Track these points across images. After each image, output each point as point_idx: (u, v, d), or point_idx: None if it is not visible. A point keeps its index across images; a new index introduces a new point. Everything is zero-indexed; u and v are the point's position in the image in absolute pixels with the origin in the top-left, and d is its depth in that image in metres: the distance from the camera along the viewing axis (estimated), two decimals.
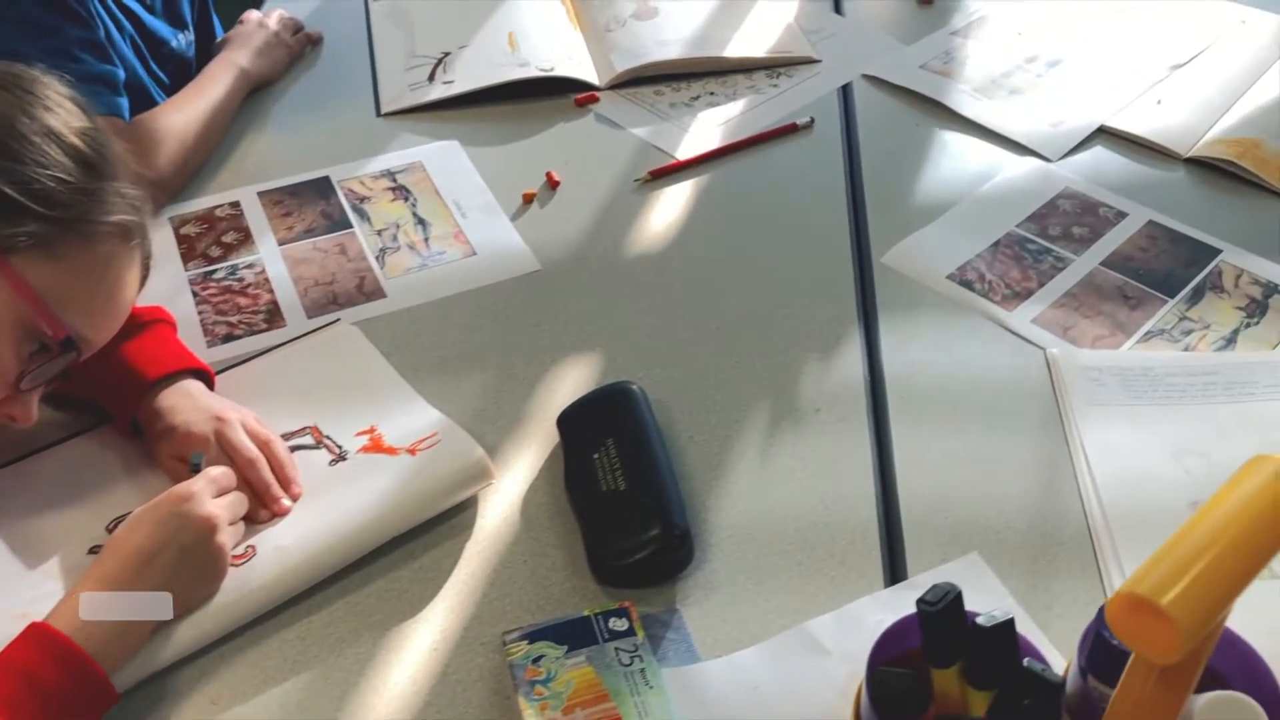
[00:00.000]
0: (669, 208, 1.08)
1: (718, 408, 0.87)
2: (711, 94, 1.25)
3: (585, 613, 0.71)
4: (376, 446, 0.82)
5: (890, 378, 0.90)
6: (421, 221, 1.06)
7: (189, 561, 0.70)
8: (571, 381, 0.90)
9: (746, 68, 1.27)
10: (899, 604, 0.71)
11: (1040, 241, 1.03)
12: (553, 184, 1.10)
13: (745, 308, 0.96)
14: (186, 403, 0.82)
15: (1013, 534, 0.78)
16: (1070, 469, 0.82)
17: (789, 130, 1.17)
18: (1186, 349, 0.92)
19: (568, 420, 0.84)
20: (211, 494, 0.72)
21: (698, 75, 1.27)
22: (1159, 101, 1.19)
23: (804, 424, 0.86)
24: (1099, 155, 1.13)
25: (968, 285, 0.98)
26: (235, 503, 0.74)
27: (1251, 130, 1.13)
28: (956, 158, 1.13)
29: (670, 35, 1.30)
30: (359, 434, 0.84)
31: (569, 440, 0.83)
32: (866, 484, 0.81)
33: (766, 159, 1.14)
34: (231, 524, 0.73)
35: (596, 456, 0.79)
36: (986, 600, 0.73)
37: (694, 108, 1.22)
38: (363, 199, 1.09)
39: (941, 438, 0.85)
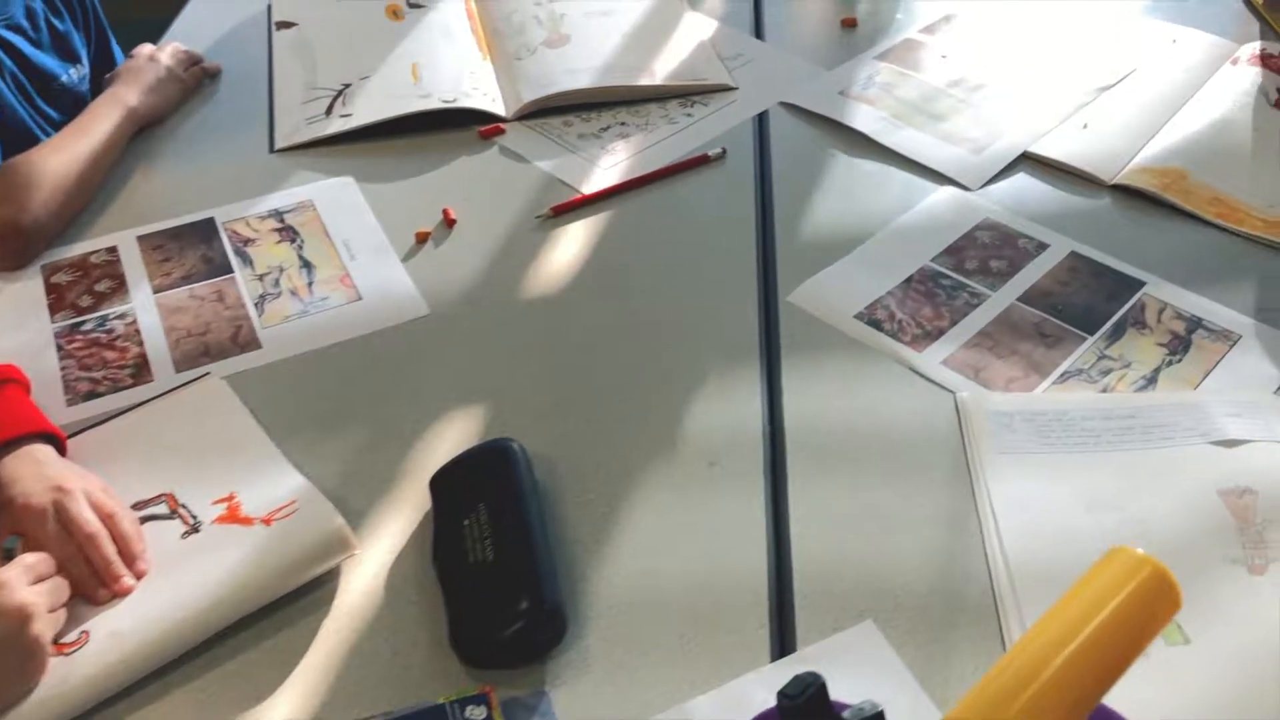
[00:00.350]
0: (570, 246, 1.02)
1: (607, 464, 0.82)
2: (622, 124, 1.20)
3: (440, 700, 0.65)
4: (232, 516, 0.76)
5: (791, 428, 0.84)
6: (307, 264, 1.01)
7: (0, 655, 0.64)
8: (452, 438, 0.84)
9: (660, 96, 1.23)
10: (783, 681, 0.66)
11: (955, 276, 0.98)
12: (449, 222, 1.05)
13: (643, 353, 0.91)
14: (29, 470, 0.76)
15: (912, 598, 0.72)
16: (977, 525, 0.77)
17: (700, 162, 1.12)
18: (1104, 390, 0.87)
19: (440, 482, 0.78)
20: (27, 580, 0.66)
21: (609, 105, 1.22)
22: (1085, 125, 1.15)
23: (697, 480, 0.81)
24: (1021, 183, 1.09)
25: (876, 325, 0.93)
26: (56, 588, 0.68)
27: (1178, 159, 1.09)
28: (873, 189, 1.08)
29: (580, 64, 1.25)
30: (216, 502, 0.78)
31: (440, 505, 0.77)
32: (759, 545, 0.76)
33: (676, 193, 1.09)
34: (52, 611, 0.67)
35: (466, 523, 0.74)
36: (877, 674, 0.68)
37: (603, 139, 1.18)
38: (247, 241, 1.04)
39: (841, 492, 0.79)
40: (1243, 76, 1.21)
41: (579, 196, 1.07)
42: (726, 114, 1.21)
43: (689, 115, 1.21)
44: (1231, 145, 1.11)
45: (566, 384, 0.88)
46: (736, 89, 1.24)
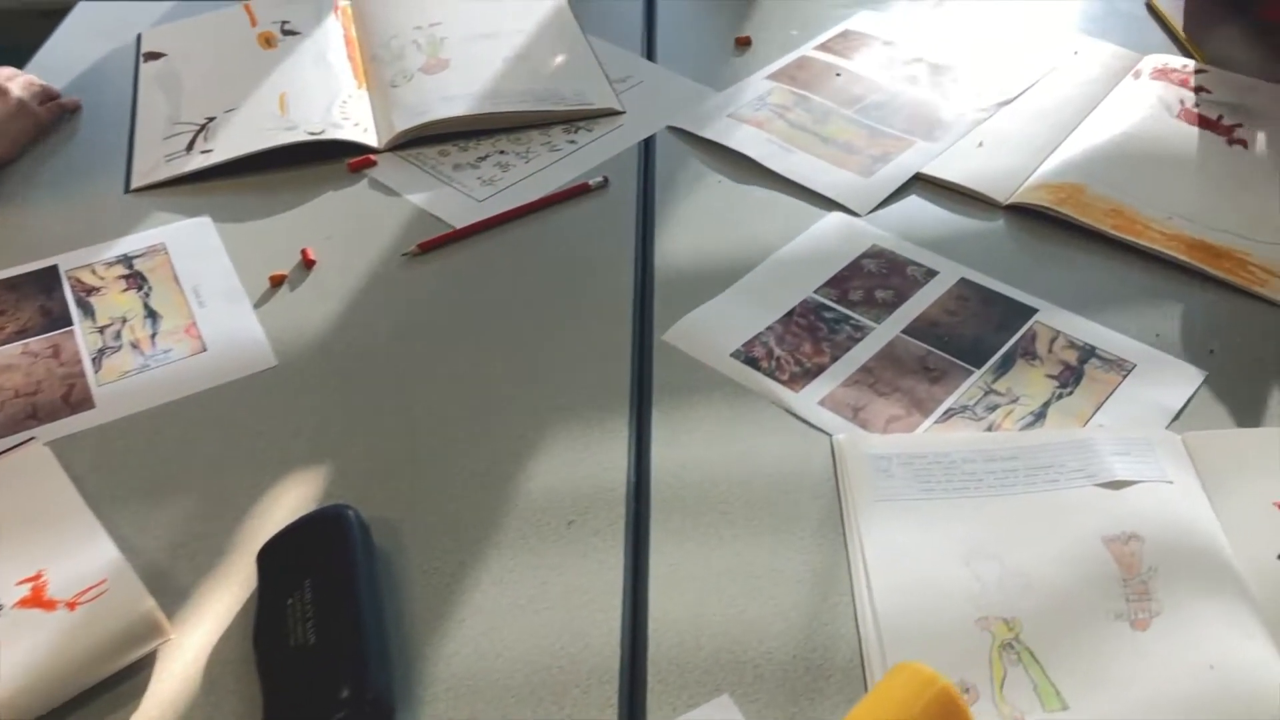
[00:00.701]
0: (435, 286, 0.97)
1: (458, 527, 0.76)
2: (502, 153, 1.15)
3: None
4: (36, 599, 0.70)
5: (657, 480, 0.79)
6: (152, 314, 0.94)
7: None
8: (289, 504, 0.78)
9: (543, 122, 1.17)
10: None
11: (839, 308, 0.93)
12: (308, 263, 0.99)
13: (506, 402, 0.85)
14: None
15: (774, 666, 0.67)
16: (848, 581, 0.72)
17: (579, 191, 1.07)
18: (989, 428, 0.82)
19: (267, 555, 0.72)
20: None
21: (488, 133, 1.16)
22: (980, 143, 1.11)
23: (553, 541, 0.75)
24: (913, 207, 1.04)
25: (753, 363, 0.88)
26: None
27: (1076, 174, 1.05)
28: (760, 217, 1.03)
29: (458, 90, 1.19)
30: (20, 582, 0.71)
31: (265, 581, 0.71)
32: (614, 613, 0.71)
33: (553, 225, 1.04)
34: None
35: (290, 602, 0.68)
36: None
37: (481, 169, 1.12)
38: (91, 290, 0.97)
39: (706, 550, 0.74)
40: (1145, 89, 1.18)
41: (448, 232, 1.01)
42: (613, 139, 1.16)
43: (573, 142, 1.16)
44: (1132, 157, 1.08)
45: (420, 438, 0.82)
46: (624, 113, 1.19)
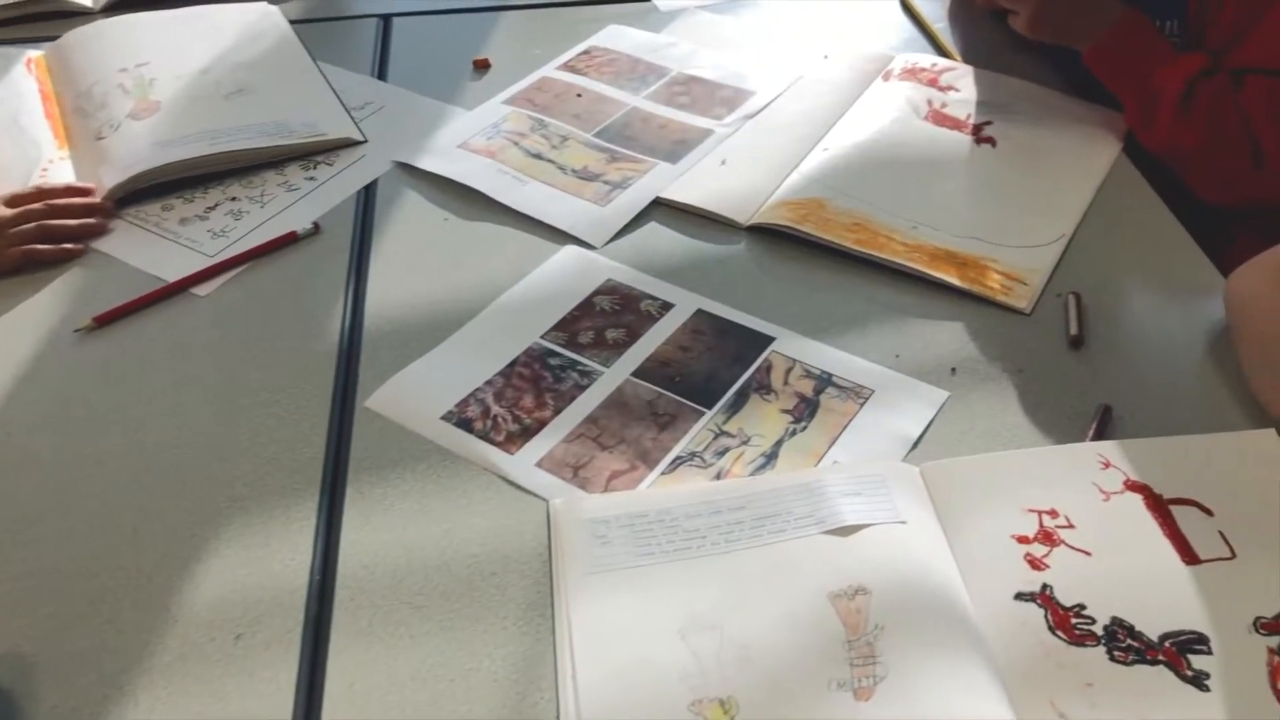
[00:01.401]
0: (112, 365, 0.85)
1: (105, 655, 0.66)
2: (234, 200, 1.04)
3: None
4: None
5: (345, 573, 0.70)
6: None
7: None
8: None
9: (276, 160, 1.07)
10: None
11: (566, 354, 0.85)
12: None
13: (173, 496, 0.75)
14: None
15: None
16: (554, 674, 0.64)
17: (286, 241, 0.96)
18: (719, 475, 0.75)
19: None
20: None
21: (217, 179, 1.05)
22: (724, 162, 1.05)
23: (217, 660, 0.65)
24: (652, 234, 0.98)
25: (466, 425, 0.79)
26: None
27: (818, 188, 1.00)
28: (488, 257, 0.95)
29: (173, 133, 1.08)
30: None
31: None
32: None
33: (259, 281, 0.94)
34: None
35: None
36: None
37: (210, 220, 1.01)
38: None
39: (393, 653, 0.65)
40: (894, 91, 1.14)
41: (128, 302, 0.90)
42: (358, 170, 1.07)
43: (312, 179, 1.06)
44: (876, 165, 1.03)
45: (66, 549, 0.71)
46: (366, 141, 1.10)
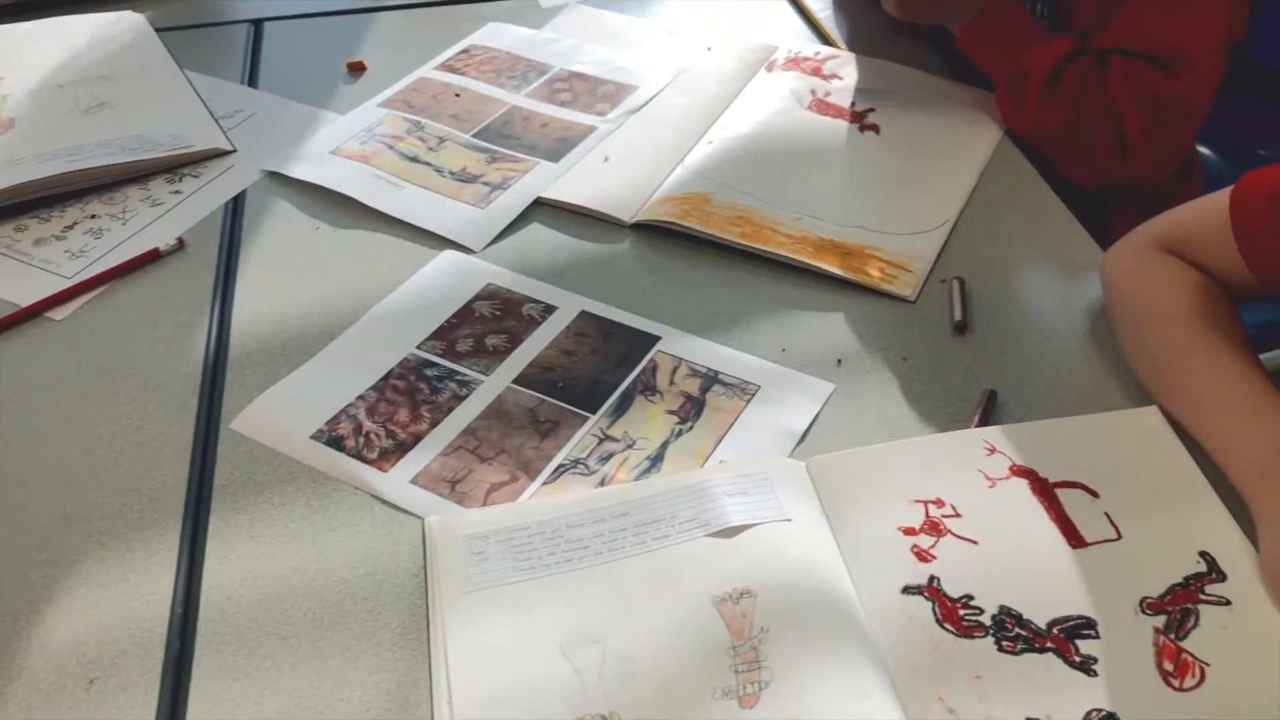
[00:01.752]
0: None
1: None
2: (93, 217, 0.99)
3: None
4: None
5: (208, 606, 0.66)
6: None
7: None
8: None
9: (139, 174, 1.02)
10: None
11: (444, 364, 0.82)
12: None
13: (23, 535, 0.70)
14: None
15: None
16: (429, 701, 0.61)
17: (149, 259, 0.92)
18: (603, 481, 0.73)
19: None
20: None
21: (76, 196, 1.00)
22: (607, 158, 1.02)
23: (69, 709, 0.61)
24: (533, 236, 0.95)
25: (337, 444, 0.76)
26: None
27: (702, 182, 0.98)
28: (362, 266, 0.91)
29: (26, 151, 1.03)
30: None
31: None
32: None
33: (119, 302, 0.89)
34: None
35: None
36: None
37: (68, 240, 0.96)
38: None
39: (259, 689, 0.62)
40: (778, 82, 1.13)
41: None
42: (226, 181, 1.02)
43: (178, 192, 1.01)
44: (760, 157, 1.02)
45: None
46: (235, 151, 1.05)
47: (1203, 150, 1.30)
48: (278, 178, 1.01)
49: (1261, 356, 0.74)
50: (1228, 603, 0.64)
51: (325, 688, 0.61)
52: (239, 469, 0.74)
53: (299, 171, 1.00)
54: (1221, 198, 0.75)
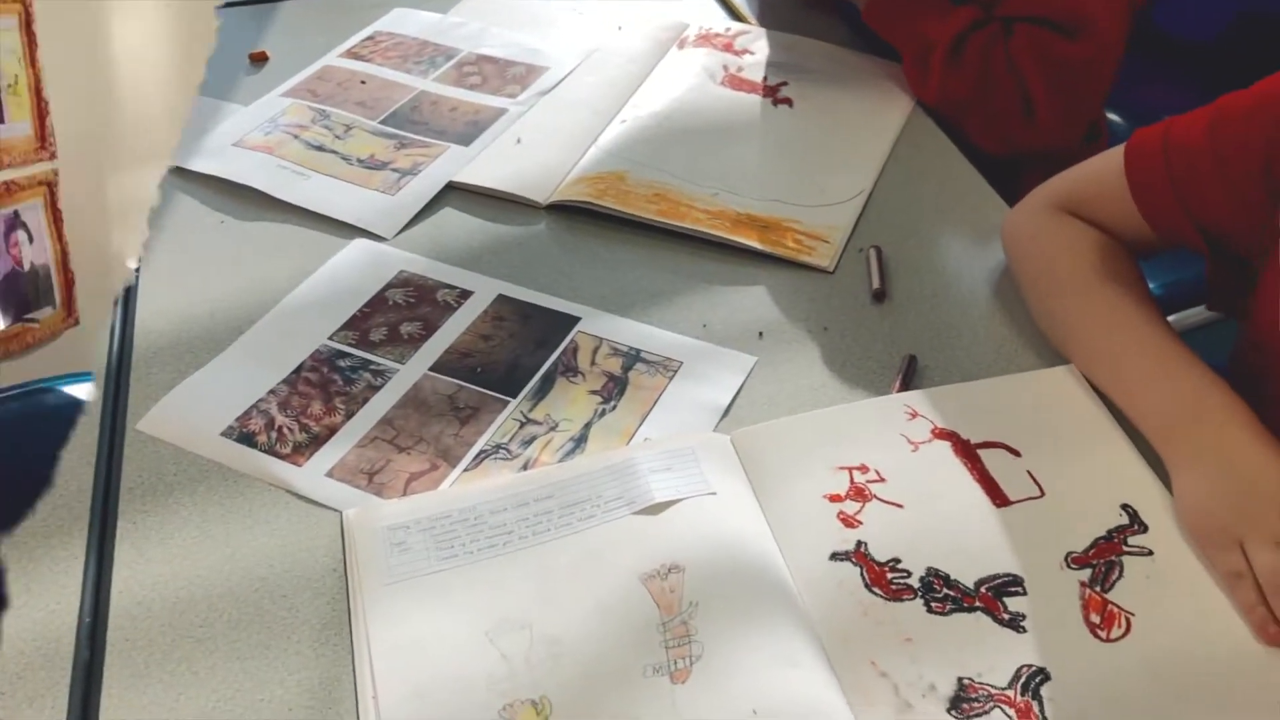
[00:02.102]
0: None
1: None
2: None
3: None
4: None
5: (118, 612, 0.64)
6: None
7: None
8: None
9: None
10: None
11: (357, 353, 0.80)
12: None
13: None
14: None
15: None
16: (354, 697, 0.59)
17: None
18: (526, 465, 0.72)
19: None
20: None
21: None
22: (519, 140, 1.01)
23: None
24: (446, 221, 0.93)
25: (249, 440, 0.73)
26: None
27: (617, 161, 0.97)
28: (269, 259, 0.89)
29: None
30: None
31: None
32: None
33: None
34: None
35: None
36: None
37: None
38: None
39: (173, 694, 0.59)
40: (689, 59, 1.12)
41: None
42: None
43: None
44: (675, 134, 1.01)
45: None
46: None
47: (1111, 116, 1.32)
48: (180, 172, 0.98)
49: (1170, 318, 0.75)
50: (1150, 553, 0.64)
51: (244, 689, 0.59)
52: (147, 470, 0.71)
53: (201, 165, 0.97)
54: (1115, 155, 0.76)
